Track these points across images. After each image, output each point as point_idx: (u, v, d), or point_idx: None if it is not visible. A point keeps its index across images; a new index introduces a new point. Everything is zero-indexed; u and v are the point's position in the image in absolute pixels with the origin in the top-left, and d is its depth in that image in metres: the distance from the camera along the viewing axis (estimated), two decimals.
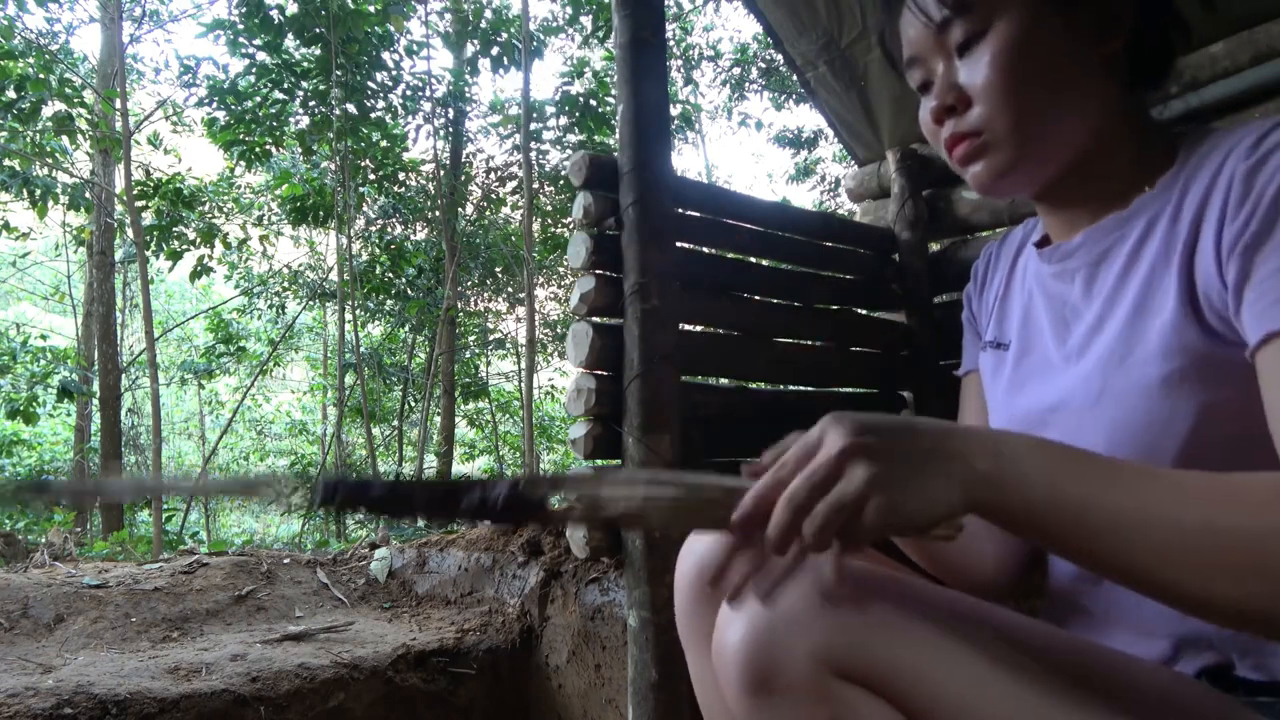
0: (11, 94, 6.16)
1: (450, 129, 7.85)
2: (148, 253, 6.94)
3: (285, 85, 6.69)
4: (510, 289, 8.87)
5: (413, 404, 8.89)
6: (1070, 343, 0.75)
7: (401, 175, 7.79)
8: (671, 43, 8.95)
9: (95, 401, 7.69)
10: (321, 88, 6.64)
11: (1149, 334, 0.66)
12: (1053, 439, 0.56)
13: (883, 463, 0.52)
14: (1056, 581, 0.78)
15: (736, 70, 9.69)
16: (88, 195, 7.06)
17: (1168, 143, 0.71)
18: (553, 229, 8.48)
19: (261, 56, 6.63)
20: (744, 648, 0.58)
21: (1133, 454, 0.66)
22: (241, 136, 6.86)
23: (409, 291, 7.83)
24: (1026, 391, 0.80)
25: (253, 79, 6.75)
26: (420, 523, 6.67)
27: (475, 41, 7.24)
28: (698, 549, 0.73)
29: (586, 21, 7.83)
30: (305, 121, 6.95)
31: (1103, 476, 0.53)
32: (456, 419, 8.86)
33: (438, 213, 7.54)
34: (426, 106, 7.33)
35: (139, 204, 6.82)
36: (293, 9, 6.33)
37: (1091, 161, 0.72)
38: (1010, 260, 0.89)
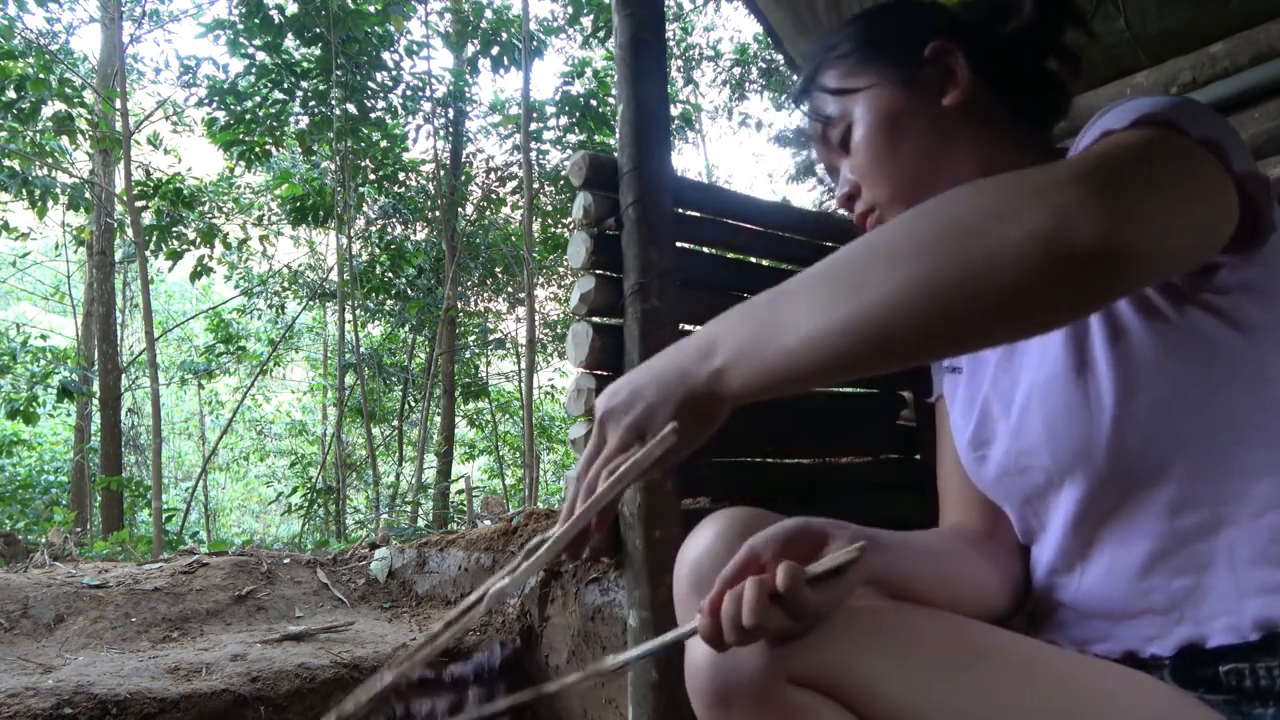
0: (11, 94, 6.16)
1: (450, 129, 7.85)
2: (148, 253, 6.94)
3: (285, 85, 6.70)
4: (510, 289, 8.87)
5: (413, 404, 8.89)
6: (1015, 359, 0.78)
7: (401, 175, 7.79)
8: (671, 43, 8.94)
9: (95, 401, 7.69)
10: (321, 88, 6.64)
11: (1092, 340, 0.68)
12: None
13: (627, 414, 0.62)
14: (1035, 580, 0.80)
15: (736, 70, 9.69)
16: (87, 195, 7.06)
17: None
18: (553, 229, 8.48)
19: (261, 56, 6.64)
20: (706, 666, 0.65)
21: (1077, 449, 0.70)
22: (241, 136, 6.86)
23: (409, 291, 7.83)
24: (979, 411, 0.82)
25: (253, 79, 6.76)
26: (421, 524, 6.68)
27: (475, 41, 7.24)
28: (694, 550, 0.75)
29: (586, 21, 7.83)
30: (305, 121, 6.95)
31: (778, 300, 0.57)
32: (456, 419, 8.86)
33: (438, 213, 7.54)
34: (426, 106, 7.33)
35: (139, 204, 6.82)
36: (293, 9, 6.34)
37: None
38: None
